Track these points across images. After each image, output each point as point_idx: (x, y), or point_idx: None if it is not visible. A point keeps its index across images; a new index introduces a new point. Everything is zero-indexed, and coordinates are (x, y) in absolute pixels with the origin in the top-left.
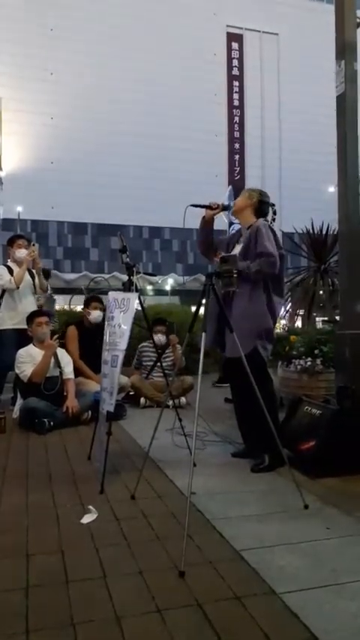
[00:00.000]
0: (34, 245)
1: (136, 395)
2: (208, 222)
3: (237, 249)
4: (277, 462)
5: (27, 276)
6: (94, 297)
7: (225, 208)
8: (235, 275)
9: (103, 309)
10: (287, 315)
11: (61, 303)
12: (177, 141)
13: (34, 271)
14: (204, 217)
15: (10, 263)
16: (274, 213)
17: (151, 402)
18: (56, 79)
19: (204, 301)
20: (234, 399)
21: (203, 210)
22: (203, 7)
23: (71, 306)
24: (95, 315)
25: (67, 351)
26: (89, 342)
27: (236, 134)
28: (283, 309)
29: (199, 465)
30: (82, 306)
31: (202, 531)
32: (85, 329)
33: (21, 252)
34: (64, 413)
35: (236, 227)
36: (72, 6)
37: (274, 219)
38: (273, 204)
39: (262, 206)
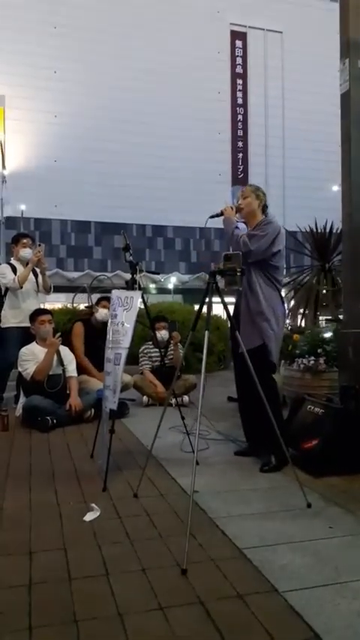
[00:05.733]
0: (40, 245)
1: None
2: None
3: None
4: (281, 461)
5: (30, 275)
6: (106, 297)
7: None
8: (238, 273)
9: None
10: (290, 313)
11: (63, 301)
12: (180, 139)
13: (37, 270)
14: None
15: (13, 261)
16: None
17: (153, 401)
18: (60, 77)
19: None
20: (239, 397)
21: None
22: (207, 5)
23: (74, 305)
24: (103, 313)
25: (72, 346)
26: (94, 340)
27: (240, 132)
28: (285, 306)
29: (201, 464)
30: (94, 304)
31: (205, 529)
32: (91, 327)
33: (25, 252)
34: (67, 411)
35: (240, 225)
36: (75, 4)
37: None
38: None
39: (264, 204)
